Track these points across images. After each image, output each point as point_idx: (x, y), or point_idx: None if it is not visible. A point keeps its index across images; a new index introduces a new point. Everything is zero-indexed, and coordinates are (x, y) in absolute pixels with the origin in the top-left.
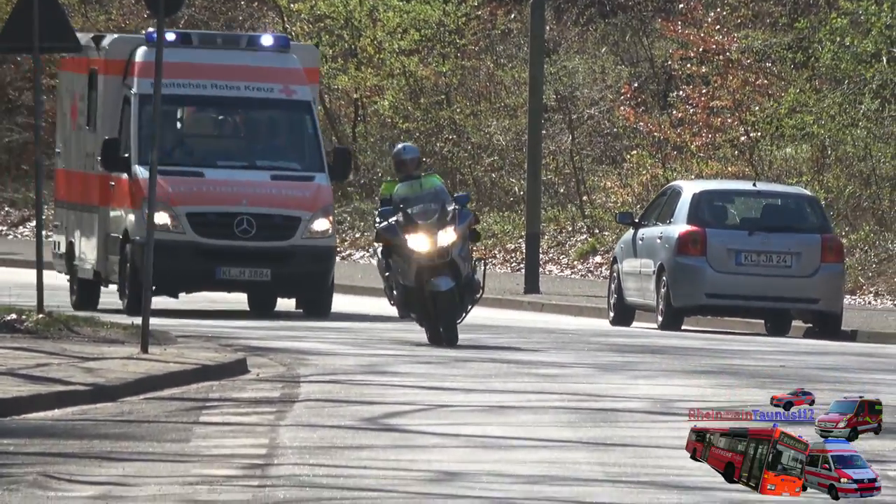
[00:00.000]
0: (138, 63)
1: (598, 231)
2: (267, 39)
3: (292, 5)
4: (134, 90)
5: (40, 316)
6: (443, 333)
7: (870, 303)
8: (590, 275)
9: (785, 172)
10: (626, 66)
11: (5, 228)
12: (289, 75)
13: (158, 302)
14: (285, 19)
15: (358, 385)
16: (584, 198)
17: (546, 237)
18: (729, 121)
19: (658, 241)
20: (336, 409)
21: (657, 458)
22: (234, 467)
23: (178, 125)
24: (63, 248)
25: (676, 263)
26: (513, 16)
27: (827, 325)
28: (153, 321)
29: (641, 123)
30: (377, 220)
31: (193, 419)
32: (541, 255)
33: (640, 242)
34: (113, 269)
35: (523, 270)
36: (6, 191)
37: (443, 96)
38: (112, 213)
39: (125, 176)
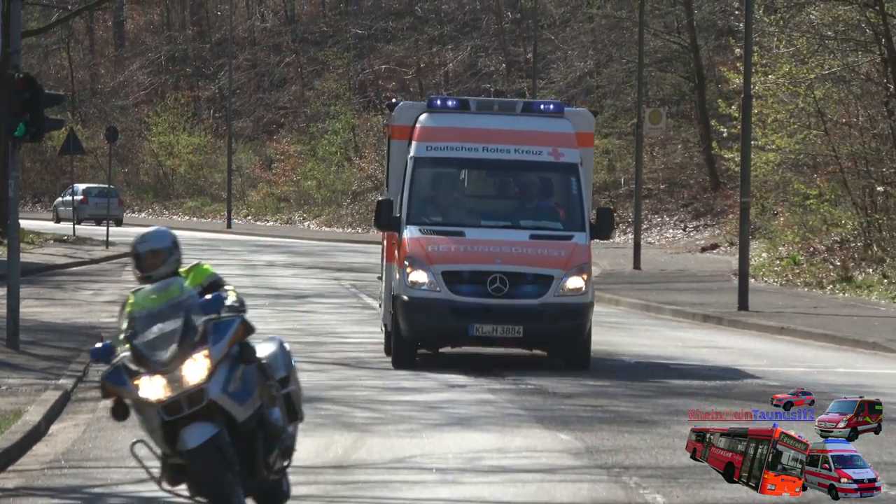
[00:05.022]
0: (417, 128)
1: None
2: (541, 105)
3: None
4: (411, 153)
5: (74, 237)
6: None
7: None
8: None
9: None
10: None
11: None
12: (559, 139)
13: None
14: None
15: None
16: None
17: None
18: None
19: None
20: None
21: None
22: None
23: (448, 186)
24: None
25: None
26: None
27: None
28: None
29: None
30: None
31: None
32: None
33: None
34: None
35: None
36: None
37: None
38: (392, 271)
39: (398, 235)
